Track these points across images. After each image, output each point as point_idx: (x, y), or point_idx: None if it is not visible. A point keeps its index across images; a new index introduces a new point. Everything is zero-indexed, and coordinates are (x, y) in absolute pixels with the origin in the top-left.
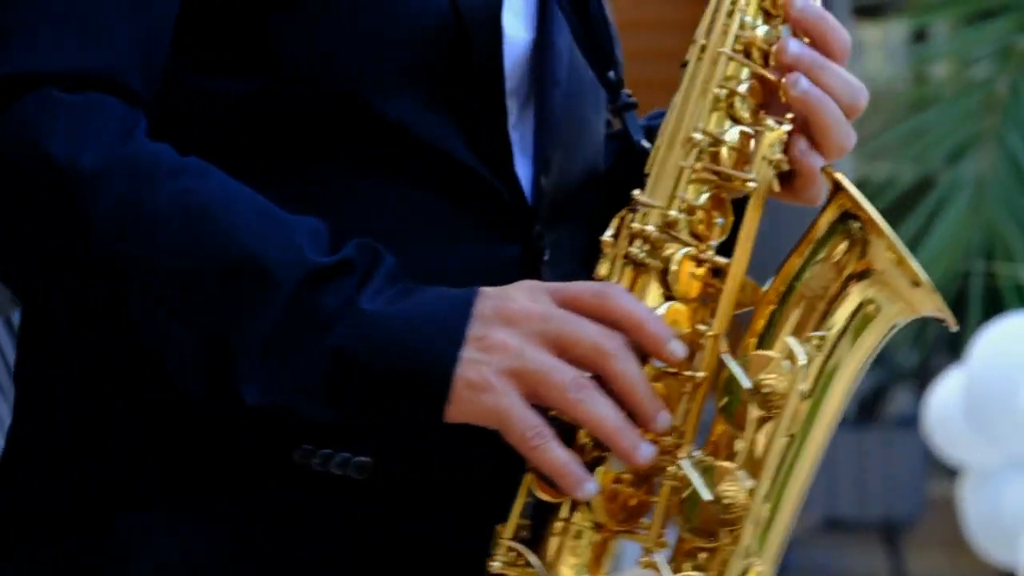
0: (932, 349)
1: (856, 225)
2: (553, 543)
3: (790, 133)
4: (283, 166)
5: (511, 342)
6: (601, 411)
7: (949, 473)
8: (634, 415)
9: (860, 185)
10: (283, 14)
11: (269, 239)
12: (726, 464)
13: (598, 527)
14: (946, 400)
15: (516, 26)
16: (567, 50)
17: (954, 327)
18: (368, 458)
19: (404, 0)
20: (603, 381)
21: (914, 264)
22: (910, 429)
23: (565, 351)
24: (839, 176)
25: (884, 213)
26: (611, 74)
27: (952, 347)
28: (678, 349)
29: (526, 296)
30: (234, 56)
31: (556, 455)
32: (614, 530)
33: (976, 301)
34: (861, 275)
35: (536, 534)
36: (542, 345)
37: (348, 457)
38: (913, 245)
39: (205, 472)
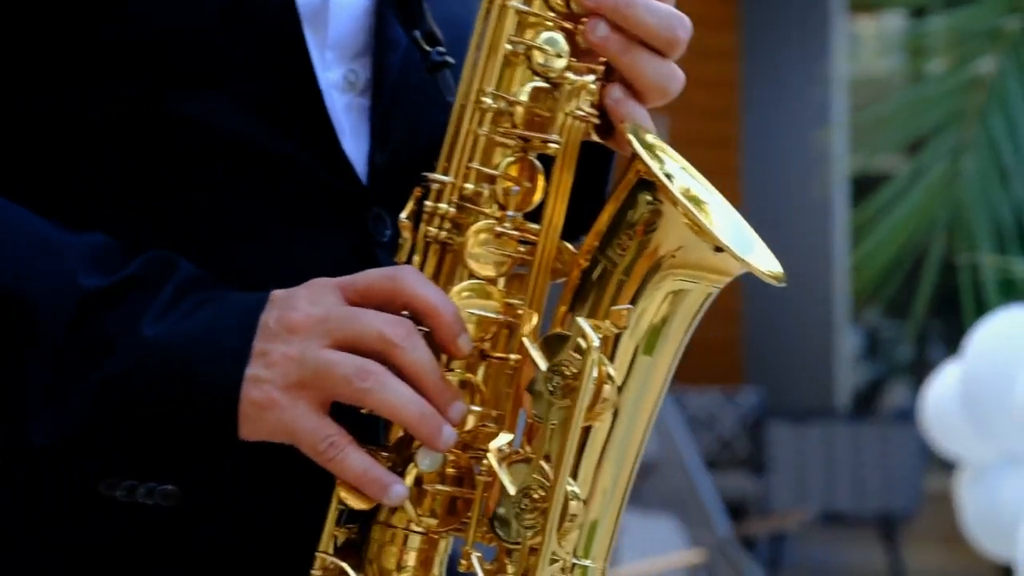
0: (928, 343)
1: (656, 198)
2: (374, 549)
3: (605, 79)
4: (107, 180)
5: (291, 351)
6: (394, 396)
7: (946, 467)
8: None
9: (859, 179)
10: (110, 25)
11: (37, 270)
12: (530, 453)
13: (418, 529)
14: (943, 394)
15: None
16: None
17: (778, 283)
18: (172, 486)
19: None
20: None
21: (713, 230)
22: (907, 423)
23: (353, 348)
24: (632, 140)
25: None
26: (417, 32)
27: (949, 341)
28: (466, 344)
29: (308, 300)
30: (54, 69)
31: (352, 463)
32: (438, 530)
33: (969, 294)
34: (664, 246)
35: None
36: (326, 348)
37: (153, 486)
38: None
39: (10, 523)
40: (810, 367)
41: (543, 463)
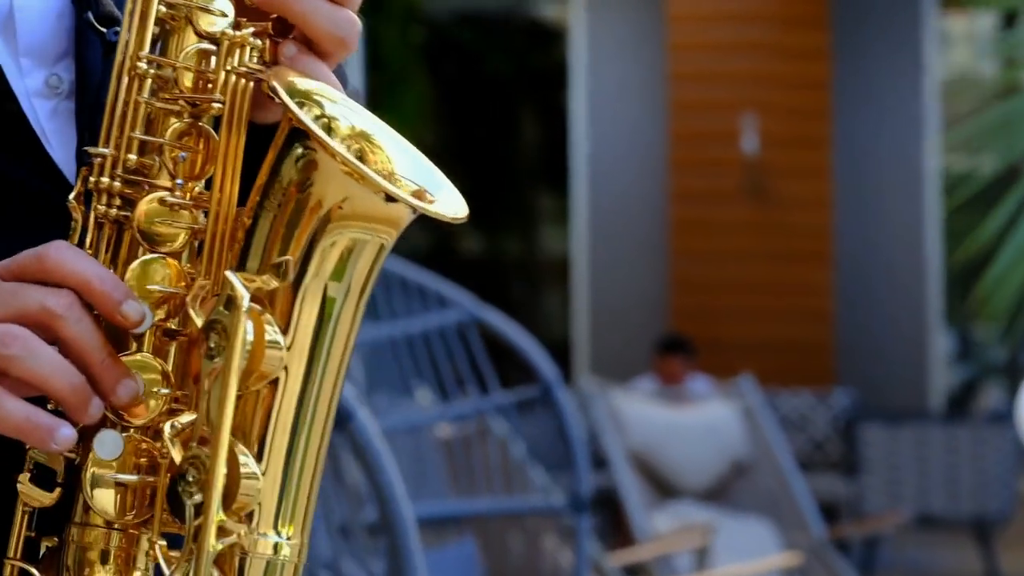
0: (1022, 344)
1: (309, 147)
2: (72, 549)
3: (280, 38)
4: None
5: None
6: (41, 365)
7: None
8: (94, 388)
9: (951, 178)
10: None
11: None
12: (192, 424)
13: (111, 526)
14: None
15: None
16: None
17: (461, 222)
18: None
19: None
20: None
21: (377, 178)
22: (1001, 425)
23: (14, 321)
24: (277, 88)
25: (969, 205)
26: (88, 15)
27: None
28: (133, 311)
29: None
30: None
31: (10, 411)
32: (132, 523)
33: None
34: (323, 214)
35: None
36: None
37: None
38: (999, 242)
39: None
40: (903, 369)
41: (204, 431)
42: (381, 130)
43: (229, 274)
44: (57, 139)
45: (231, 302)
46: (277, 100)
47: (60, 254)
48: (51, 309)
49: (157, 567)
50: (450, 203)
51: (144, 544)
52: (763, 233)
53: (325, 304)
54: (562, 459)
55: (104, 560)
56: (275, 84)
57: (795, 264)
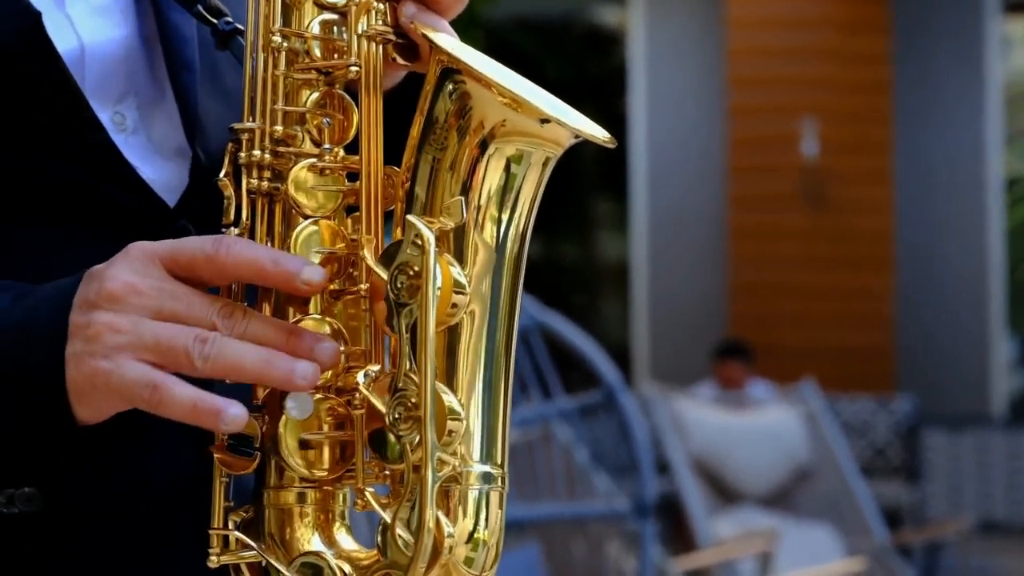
0: None
1: (461, 80)
2: (271, 514)
3: (395, 1)
4: None
5: (117, 321)
6: (234, 354)
7: None
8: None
9: (1015, 183)
10: None
11: None
12: (394, 370)
13: (310, 483)
14: None
15: (101, 26)
16: (187, 25)
17: (609, 145)
18: (32, 488)
19: None
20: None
21: (533, 101)
22: None
23: (182, 323)
24: (427, 32)
25: None
26: (199, 7)
27: None
28: (314, 275)
29: (129, 270)
30: None
31: (179, 397)
32: (329, 479)
33: None
34: (486, 134)
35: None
36: (155, 319)
37: (12, 492)
38: None
39: None
40: (965, 374)
41: (408, 373)
42: (510, 73)
43: (412, 218)
44: (151, 143)
45: (416, 244)
46: (427, 44)
47: (229, 250)
48: (215, 323)
49: (353, 517)
50: (591, 127)
51: (339, 499)
52: (822, 238)
53: (499, 232)
54: (625, 464)
55: (303, 518)
56: (428, 32)
57: (855, 269)
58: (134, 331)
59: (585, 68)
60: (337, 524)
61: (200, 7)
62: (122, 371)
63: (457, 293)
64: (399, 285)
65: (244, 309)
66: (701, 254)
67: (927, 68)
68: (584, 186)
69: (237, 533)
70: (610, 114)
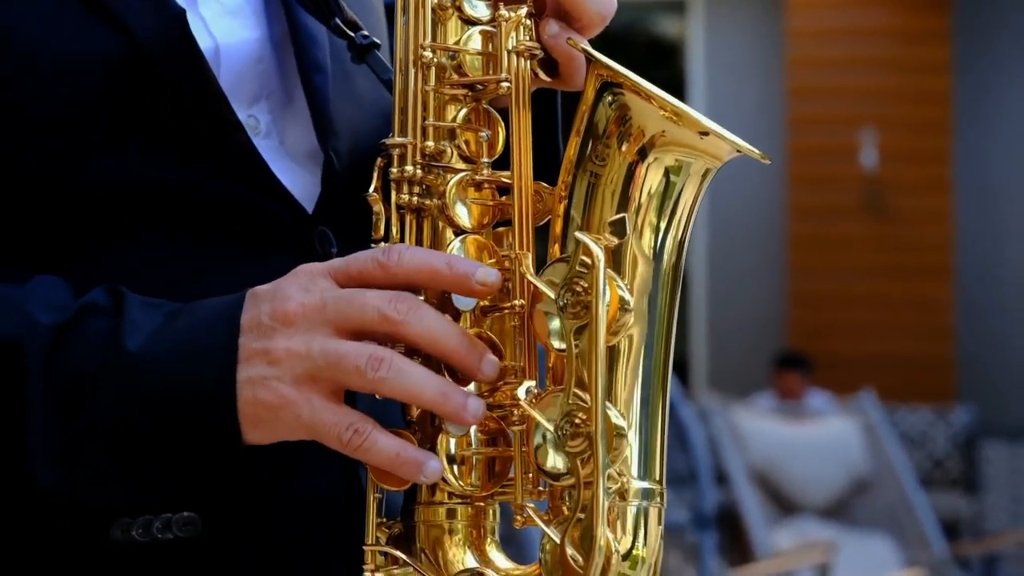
0: None
1: (620, 93)
2: (423, 530)
3: (538, 18)
4: (60, 251)
5: (295, 345)
6: (410, 381)
7: None
8: (457, 371)
9: None
10: None
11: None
12: (559, 388)
13: (463, 499)
14: None
15: (234, 28)
16: (317, 28)
17: (765, 160)
18: (192, 512)
19: (78, 60)
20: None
21: (693, 113)
22: None
23: (358, 332)
24: (586, 46)
25: None
26: (336, 20)
27: None
28: (489, 275)
29: (299, 288)
30: None
31: (382, 447)
32: (482, 496)
33: None
34: (645, 143)
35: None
36: (330, 336)
37: (169, 517)
38: None
39: None
40: None
41: (576, 389)
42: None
43: (580, 235)
44: (285, 147)
45: (585, 263)
46: (593, 59)
47: (400, 255)
48: (390, 316)
49: (507, 535)
50: (752, 147)
51: (490, 515)
52: (882, 248)
53: (657, 242)
54: (683, 475)
55: (455, 534)
56: (587, 47)
57: (915, 279)
58: (309, 354)
59: (645, 78)
60: (488, 541)
61: (338, 20)
62: (313, 407)
63: (623, 310)
64: (567, 301)
65: (416, 300)
66: (760, 264)
67: (987, 78)
68: None
69: (395, 551)
70: None
